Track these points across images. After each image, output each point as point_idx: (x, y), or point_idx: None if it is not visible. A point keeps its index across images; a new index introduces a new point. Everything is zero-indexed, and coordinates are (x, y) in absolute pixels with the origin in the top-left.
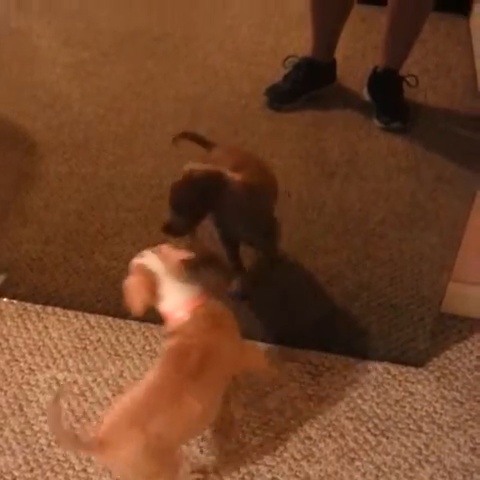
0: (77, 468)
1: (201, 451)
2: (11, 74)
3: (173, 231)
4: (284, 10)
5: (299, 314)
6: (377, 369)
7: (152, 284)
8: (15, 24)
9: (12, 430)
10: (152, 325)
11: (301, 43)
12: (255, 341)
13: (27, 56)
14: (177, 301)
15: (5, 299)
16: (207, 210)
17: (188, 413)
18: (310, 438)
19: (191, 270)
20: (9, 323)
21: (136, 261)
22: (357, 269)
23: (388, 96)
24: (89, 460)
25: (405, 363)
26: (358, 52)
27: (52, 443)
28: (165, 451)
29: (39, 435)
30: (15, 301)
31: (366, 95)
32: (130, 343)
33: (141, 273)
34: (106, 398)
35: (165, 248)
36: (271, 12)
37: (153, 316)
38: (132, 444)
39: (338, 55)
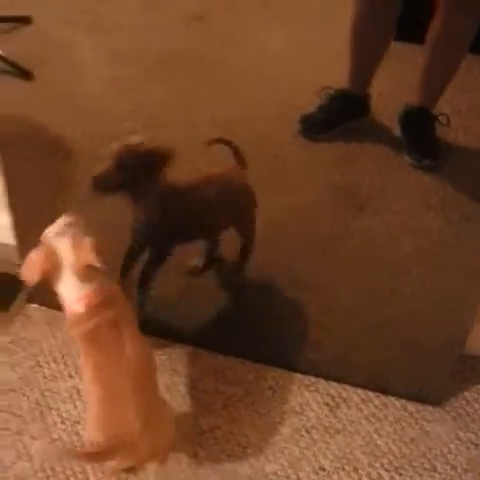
0: (92, 479)
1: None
2: (55, 84)
3: (103, 184)
4: (322, 41)
5: (320, 344)
6: (395, 405)
7: (54, 268)
8: (60, 36)
9: (31, 436)
10: (176, 345)
11: (337, 75)
12: (275, 367)
13: (70, 68)
14: (73, 296)
15: (35, 305)
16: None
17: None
18: (324, 469)
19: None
20: (37, 329)
21: (48, 237)
22: (380, 302)
23: (420, 133)
24: (105, 472)
25: (423, 401)
26: (392, 88)
27: None
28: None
29: (57, 443)
30: (44, 308)
31: (398, 131)
32: None
33: (48, 254)
34: None
35: (82, 239)
36: (310, 42)
37: (176, 335)
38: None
39: (372, 89)
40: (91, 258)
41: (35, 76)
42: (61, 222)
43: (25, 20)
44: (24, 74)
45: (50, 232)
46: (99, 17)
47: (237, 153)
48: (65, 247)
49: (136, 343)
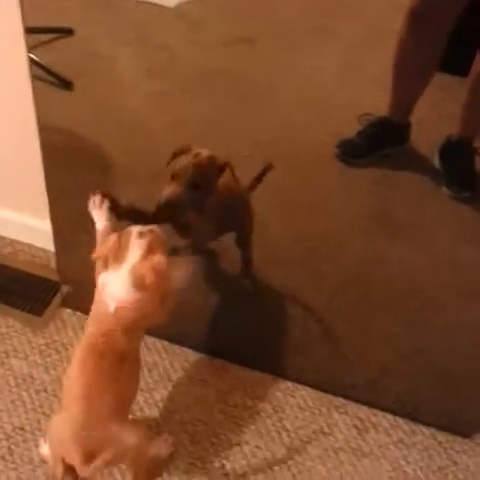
0: None
1: None
2: (94, 95)
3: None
4: (363, 67)
5: (351, 367)
6: (424, 433)
7: (116, 256)
8: (102, 49)
9: None
10: (206, 357)
11: (378, 101)
12: (305, 386)
13: (110, 80)
14: (113, 292)
15: (69, 310)
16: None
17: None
18: None
19: None
20: (70, 333)
21: (131, 231)
22: (413, 331)
23: (459, 166)
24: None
25: (452, 431)
26: (433, 118)
27: None
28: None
29: None
30: (78, 313)
31: (437, 162)
32: (183, 370)
33: (120, 241)
34: (155, 420)
35: (156, 253)
36: (351, 68)
37: (209, 349)
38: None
39: (413, 118)
40: (150, 274)
41: (75, 87)
42: (148, 228)
43: (67, 31)
44: (65, 84)
45: (135, 229)
46: (143, 33)
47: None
48: (138, 247)
49: (127, 377)
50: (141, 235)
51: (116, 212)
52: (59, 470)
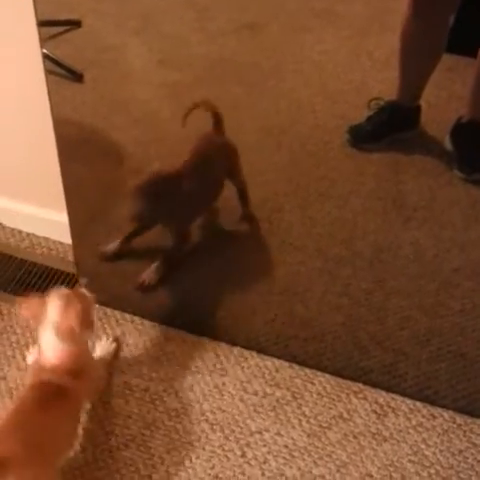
0: (143, 473)
1: None
2: (105, 87)
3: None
4: (372, 52)
5: (368, 352)
6: (443, 416)
7: (39, 321)
8: (110, 40)
9: (84, 428)
10: (224, 345)
11: (387, 85)
12: (323, 372)
13: (120, 71)
14: (49, 351)
15: None
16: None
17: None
18: (371, 475)
19: None
20: None
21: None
22: (429, 315)
23: (471, 147)
24: (155, 466)
25: (471, 414)
26: (443, 100)
27: (121, 446)
28: None
29: (110, 437)
30: (96, 305)
31: (448, 144)
32: (202, 360)
33: (39, 305)
34: (175, 409)
35: (73, 305)
36: (359, 52)
37: (227, 337)
38: None
39: (423, 101)
40: (75, 322)
41: (85, 79)
42: (66, 292)
43: (75, 24)
44: (75, 76)
45: (52, 292)
46: (150, 23)
47: (218, 121)
48: (55, 306)
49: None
50: (55, 297)
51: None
52: None
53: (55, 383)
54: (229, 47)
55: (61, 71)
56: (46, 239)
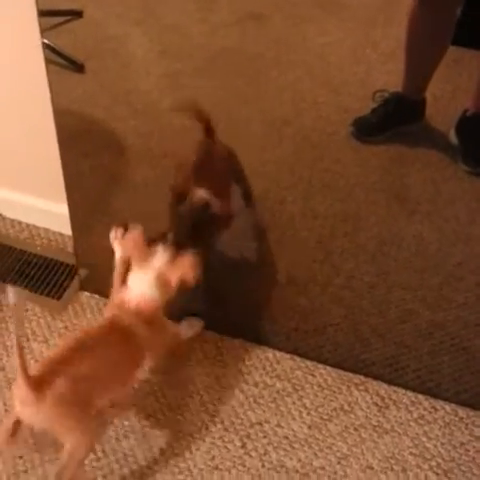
0: (142, 464)
1: None
2: (106, 78)
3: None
4: (377, 43)
5: (370, 345)
6: (445, 409)
7: (140, 259)
8: (112, 31)
9: None
10: (225, 337)
11: (391, 77)
12: (324, 365)
13: (123, 62)
14: (137, 293)
15: (87, 293)
16: None
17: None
18: (371, 468)
19: None
20: (89, 316)
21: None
22: (432, 308)
23: (476, 140)
24: (154, 458)
25: (473, 407)
26: (448, 93)
27: (120, 437)
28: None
29: (109, 426)
30: (96, 296)
31: (453, 137)
32: (203, 352)
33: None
34: (175, 401)
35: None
36: (364, 44)
37: (227, 329)
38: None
39: (428, 93)
40: (175, 280)
41: (86, 69)
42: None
43: (76, 14)
44: (76, 67)
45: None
46: (152, 13)
47: (210, 128)
48: (164, 256)
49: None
50: (164, 251)
51: None
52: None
53: (126, 324)
54: (231, 38)
55: (62, 61)
56: (46, 230)
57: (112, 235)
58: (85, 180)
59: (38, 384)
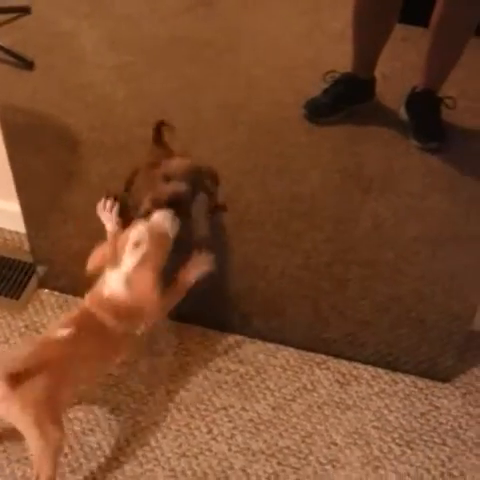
0: (109, 456)
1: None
2: (56, 73)
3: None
4: (325, 25)
5: (330, 323)
6: (404, 381)
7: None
8: (60, 25)
9: None
10: (186, 325)
11: (341, 58)
12: (286, 346)
13: (73, 57)
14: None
15: (46, 290)
16: None
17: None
18: (336, 444)
19: None
20: (49, 313)
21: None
22: (388, 283)
23: (426, 116)
24: (121, 449)
25: (432, 377)
26: (397, 71)
27: (87, 431)
28: None
29: (75, 422)
30: (56, 292)
31: (404, 114)
32: (165, 341)
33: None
34: (139, 392)
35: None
36: (312, 26)
37: (187, 317)
38: None
39: (377, 72)
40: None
41: (36, 66)
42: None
43: (24, 10)
44: (26, 64)
45: (133, 236)
46: (99, 5)
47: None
48: (132, 256)
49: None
50: (137, 245)
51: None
52: None
53: (98, 318)
54: (182, 26)
55: (11, 59)
56: (1, 229)
57: (100, 207)
58: (37, 177)
59: (14, 380)
